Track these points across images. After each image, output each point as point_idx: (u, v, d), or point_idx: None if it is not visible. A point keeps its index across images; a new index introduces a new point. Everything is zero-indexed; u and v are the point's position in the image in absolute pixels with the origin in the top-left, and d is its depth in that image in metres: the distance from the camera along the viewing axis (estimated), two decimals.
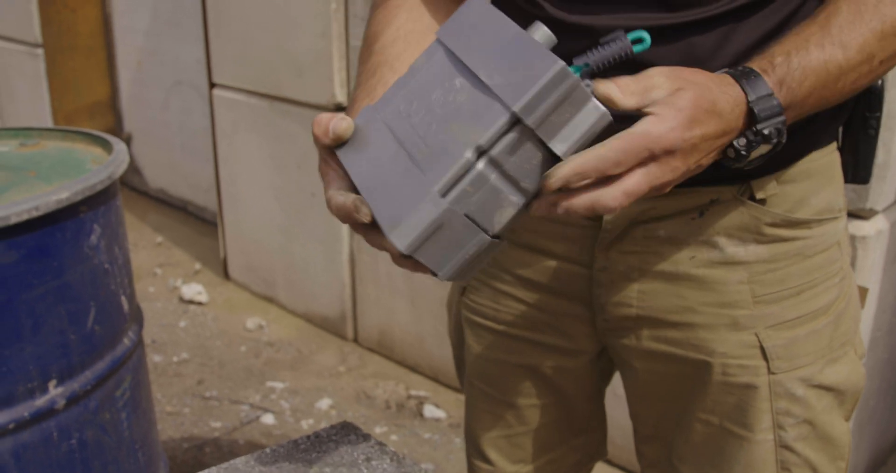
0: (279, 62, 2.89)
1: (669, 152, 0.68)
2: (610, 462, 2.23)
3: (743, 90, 0.73)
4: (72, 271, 1.30)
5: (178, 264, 3.51)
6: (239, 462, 1.02)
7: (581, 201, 0.68)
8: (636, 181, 0.68)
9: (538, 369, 1.07)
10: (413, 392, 2.61)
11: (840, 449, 0.97)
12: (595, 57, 0.72)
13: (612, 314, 0.98)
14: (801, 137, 0.85)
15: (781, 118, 0.74)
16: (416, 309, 2.69)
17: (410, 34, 0.92)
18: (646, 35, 0.71)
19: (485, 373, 1.11)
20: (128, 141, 4.29)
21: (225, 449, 2.34)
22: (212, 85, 3.21)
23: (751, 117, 0.74)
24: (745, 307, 0.92)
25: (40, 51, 4.18)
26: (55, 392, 1.30)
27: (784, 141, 0.75)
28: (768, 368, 0.92)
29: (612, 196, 0.68)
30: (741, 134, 0.74)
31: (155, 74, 3.99)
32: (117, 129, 4.32)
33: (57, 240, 1.27)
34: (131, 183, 4.30)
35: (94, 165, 1.47)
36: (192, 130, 3.84)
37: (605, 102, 0.69)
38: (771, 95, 0.73)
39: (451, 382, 2.63)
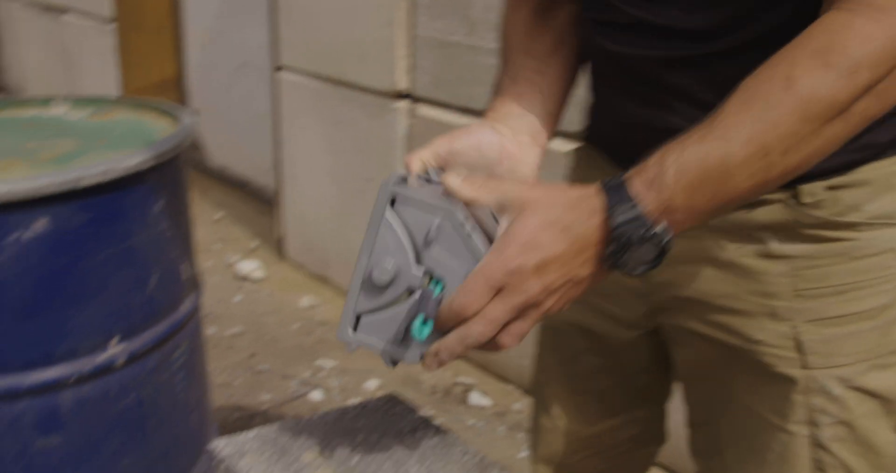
0: (344, 48, 2.92)
1: (514, 276, 0.73)
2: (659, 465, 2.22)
3: (603, 200, 0.74)
4: (137, 237, 1.35)
5: (235, 240, 3.57)
6: (288, 423, 1.05)
7: (451, 341, 0.76)
8: (494, 308, 0.74)
9: (598, 333, 1.10)
10: (459, 379, 2.64)
11: (883, 459, 0.96)
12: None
13: (662, 294, 1.00)
14: (850, 148, 0.84)
15: (641, 224, 0.73)
16: None
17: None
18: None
19: (553, 327, 1.14)
20: None
21: (273, 421, 2.39)
22: (277, 68, 3.26)
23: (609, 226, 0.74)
24: (784, 299, 0.92)
25: (112, 27, 4.28)
26: (116, 350, 1.36)
27: (668, 246, 0.74)
28: (804, 362, 0.93)
29: (477, 328, 0.75)
30: (609, 243, 0.75)
31: (221, 55, 4.06)
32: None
33: (124, 206, 1.32)
34: (194, 159, 4.38)
35: (162, 136, 1.52)
36: (255, 111, 3.90)
37: (467, 200, 0.79)
38: (630, 200, 0.74)
39: (498, 371, 2.65)
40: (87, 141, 1.51)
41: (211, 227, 3.70)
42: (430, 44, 2.64)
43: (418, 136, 2.74)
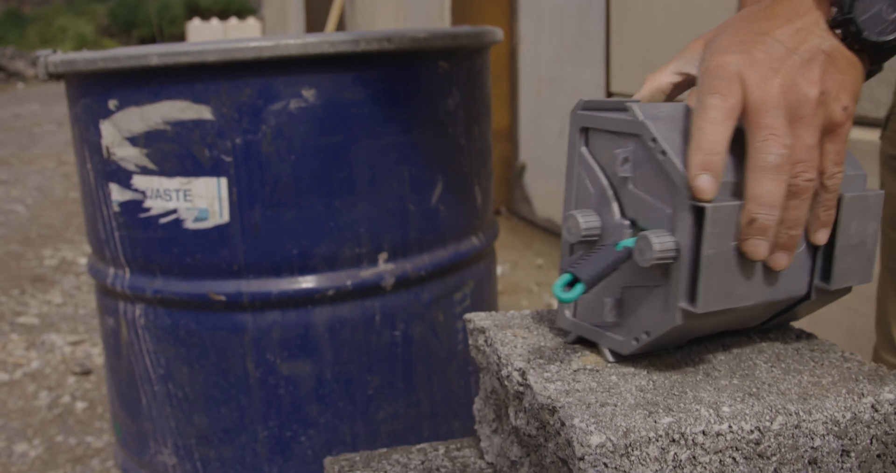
0: None
1: (734, 52, 0.58)
2: None
3: None
4: (421, 132, 1.11)
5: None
6: None
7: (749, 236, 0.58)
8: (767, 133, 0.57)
9: None
10: None
11: None
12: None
13: None
14: None
15: None
16: None
17: None
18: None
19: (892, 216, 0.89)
20: (521, 171, 4.24)
21: None
22: (609, 95, 3.02)
23: None
24: None
25: None
26: (385, 268, 1.10)
27: None
28: None
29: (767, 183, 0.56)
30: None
31: (554, 101, 3.91)
32: (513, 158, 4.29)
33: (409, 89, 1.09)
34: (520, 212, 4.24)
35: None
36: None
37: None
38: None
39: None
40: None
41: (532, 271, 3.50)
42: None
43: None
